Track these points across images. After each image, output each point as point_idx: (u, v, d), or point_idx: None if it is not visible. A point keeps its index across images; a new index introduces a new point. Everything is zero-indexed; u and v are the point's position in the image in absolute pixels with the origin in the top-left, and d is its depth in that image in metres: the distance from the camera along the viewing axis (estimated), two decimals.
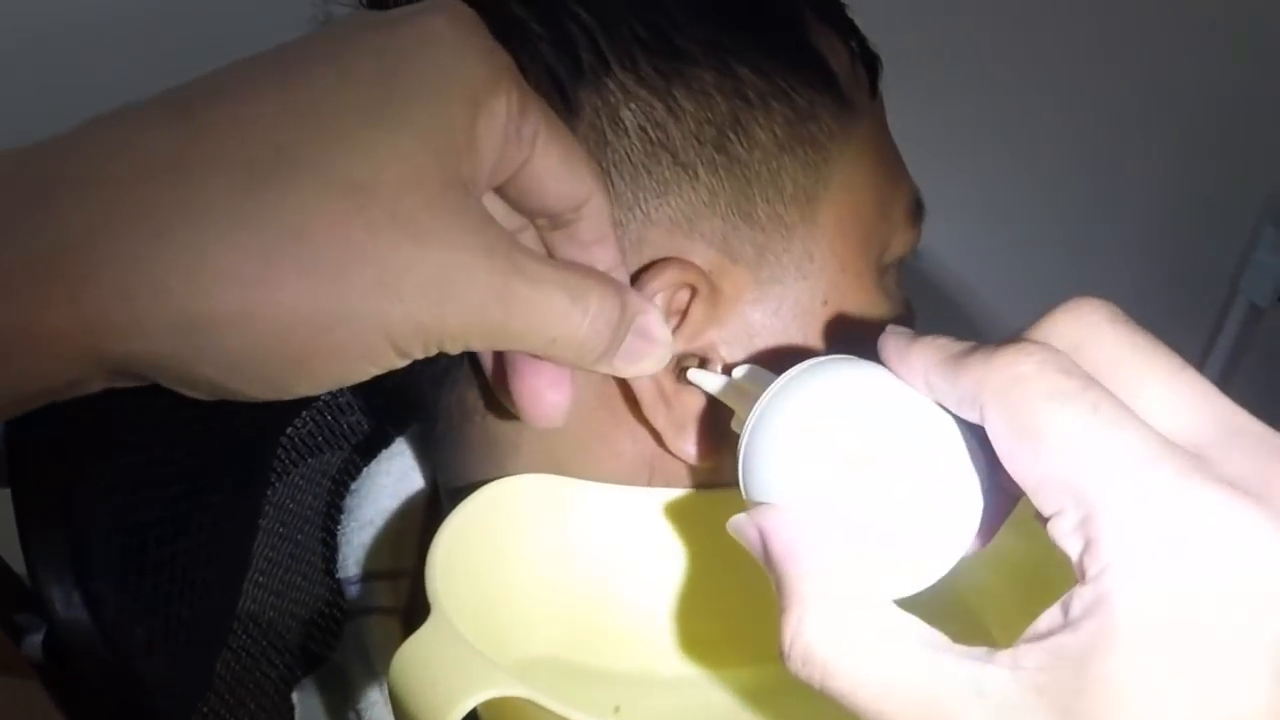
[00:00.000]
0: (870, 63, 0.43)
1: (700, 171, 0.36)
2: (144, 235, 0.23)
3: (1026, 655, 0.23)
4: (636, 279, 0.35)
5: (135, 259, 0.22)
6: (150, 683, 0.37)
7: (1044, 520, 0.24)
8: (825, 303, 0.38)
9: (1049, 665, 0.22)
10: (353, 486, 0.49)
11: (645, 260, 0.36)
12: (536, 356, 0.31)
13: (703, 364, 0.37)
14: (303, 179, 0.24)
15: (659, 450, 0.38)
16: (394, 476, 0.49)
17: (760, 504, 0.31)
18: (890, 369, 0.29)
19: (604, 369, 0.31)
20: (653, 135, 0.36)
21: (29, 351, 0.22)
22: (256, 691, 0.44)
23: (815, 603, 0.26)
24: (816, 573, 0.27)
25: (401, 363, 0.26)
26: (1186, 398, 0.24)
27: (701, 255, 0.36)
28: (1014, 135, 1.03)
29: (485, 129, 0.27)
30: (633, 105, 0.36)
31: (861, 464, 0.28)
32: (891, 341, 0.29)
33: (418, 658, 0.31)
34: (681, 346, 0.36)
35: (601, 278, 0.30)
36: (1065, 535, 0.23)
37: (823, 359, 0.31)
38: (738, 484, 0.38)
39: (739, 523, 0.30)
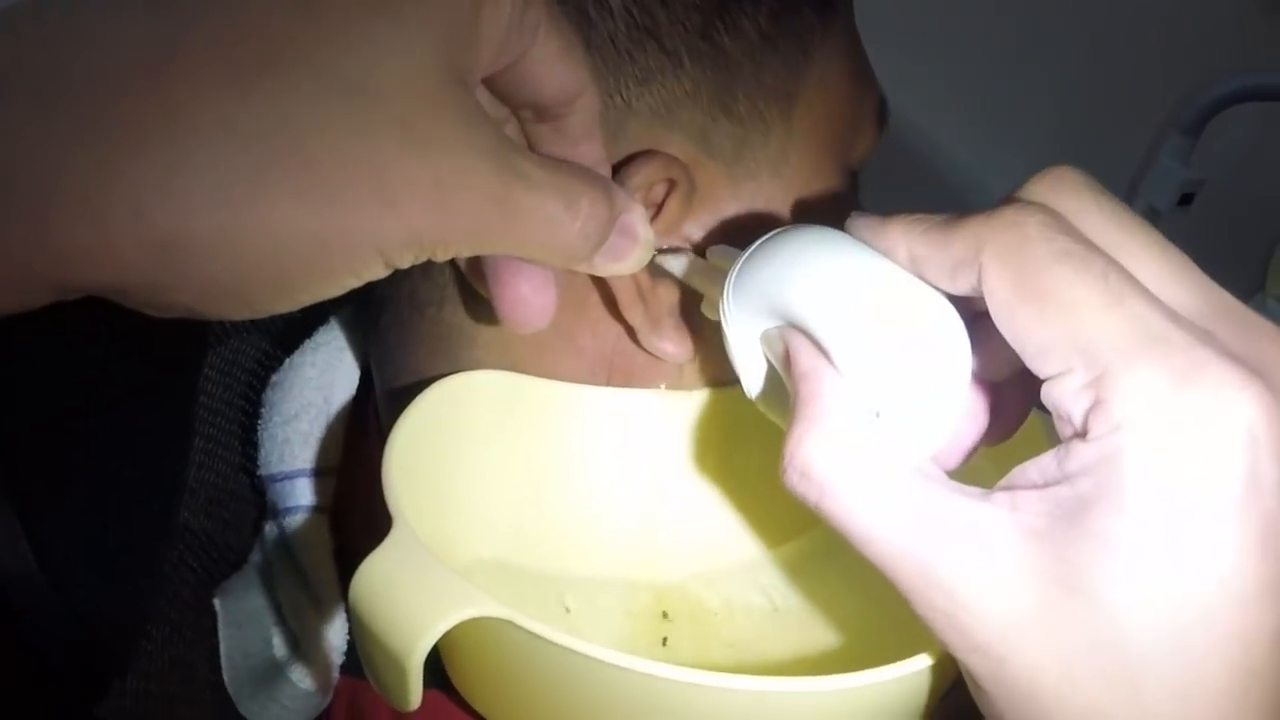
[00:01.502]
0: None
1: (684, 59, 0.34)
2: (120, 149, 0.19)
3: (1025, 500, 0.23)
4: (617, 172, 0.34)
5: (109, 176, 0.19)
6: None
7: (1039, 380, 0.24)
8: (796, 203, 0.37)
9: (1047, 513, 0.23)
10: (273, 379, 0.46)
11: (624, 152, 0.35)
12: (520, 259, 0.28)
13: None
14: (299, 81, 0.21)
15: (620, 347, 0.37)
16: (318, 368, 0.46)
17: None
18: (866, 243, 0.28)
19: (584, 269, 0.29)
20: (638, 19, 0.34)
21: None
22: (175, 599, 0.42)
23: (825, 419, 0.26)
24: (830, 394, 0.26)
25: (386, 273, 0.24)
26: (1178, 274, 0.24)
27: (679, 148, 0.35)
28: (920, 25, 1.02)
29: (490, 16, 0.24)
30: None
31: (847, 320, 0.26)
32: (862, 219, 0.28)
33: (383, 577, 0.28)
34: (656, 240, 0.34)
35: (592, 178, 0.28)
36: (1070, 393, 0.23)
37: (791, 227, 0.30)
38: (709, 379, 0.37)
39: (771, 333, 0.29)
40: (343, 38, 0.22)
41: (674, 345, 0.36)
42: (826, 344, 0.26)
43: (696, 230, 0.36)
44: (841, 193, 0.39)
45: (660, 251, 0.35)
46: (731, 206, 0.36)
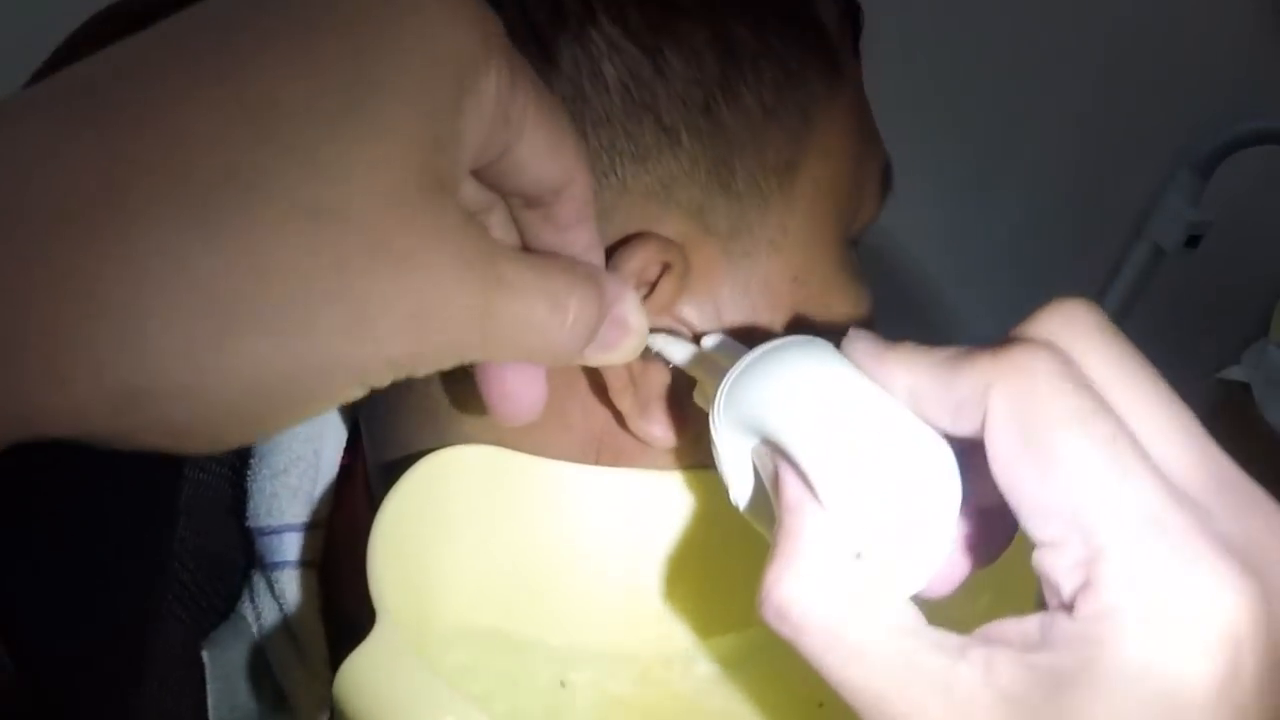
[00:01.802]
0: (855, 16, 0.41)
1: (683, 136, 0.34)
2: (73, 298, 0.18)
3: (1002, 662, 0.23)
4: (610, 254, 0.33)
5: (65, 334, 0.18)
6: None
7: (1033, 542, 0.23)
8: (794, 279, 0.37)
9: (1023, 679, 0.22)
10: None
11: (618, 232, 0.34)
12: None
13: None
14: (260, 208, 0.19)
15: (609, 428, 0.37)
16: (308, 423, 0.46)
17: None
18: (863, 371, 0.27)
19: (575, 362, 0.29)
20: (636, 95, 0.33)
21: None
22: (164, 651, 0.42)
23: (803, 559, 0.25)
24: (812, 533, 0.26)
25: (363, 394, 0.23)
26: (1183, 439, 0.23)
27: (675, 226, 0.35)
28: (932, 64, 1.02)
29: (471, 115, 0.23)
30: (617, 60, 0.33)
31: (835, 457, 0.26)
32: (861, 342, 0.28)
33: (365, 676, 0.29)
34: (649, 323, 0.34)
35: (582, 275, 0.27)
36: (1063, 567, 0.23)
37: (789, 341, 0.29)
38: (696, 461, 0.37)
39: (761, 452, 0.29)
40: (307, 156, 0.20)
41: (662, 430, 0.36)
42: (812, 479, 0.26)
43: (690, 309, 0.35)
44: (841, 266, 0.38)
45: (653, 331, 0.34)
46: (727, 285, 0.36)
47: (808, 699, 0.40)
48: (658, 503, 0.38)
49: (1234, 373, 1.01)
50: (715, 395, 0.30)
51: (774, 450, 0.28)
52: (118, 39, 0.21)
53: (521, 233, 0.29)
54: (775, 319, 0.37)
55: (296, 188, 0.20)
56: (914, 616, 0.25)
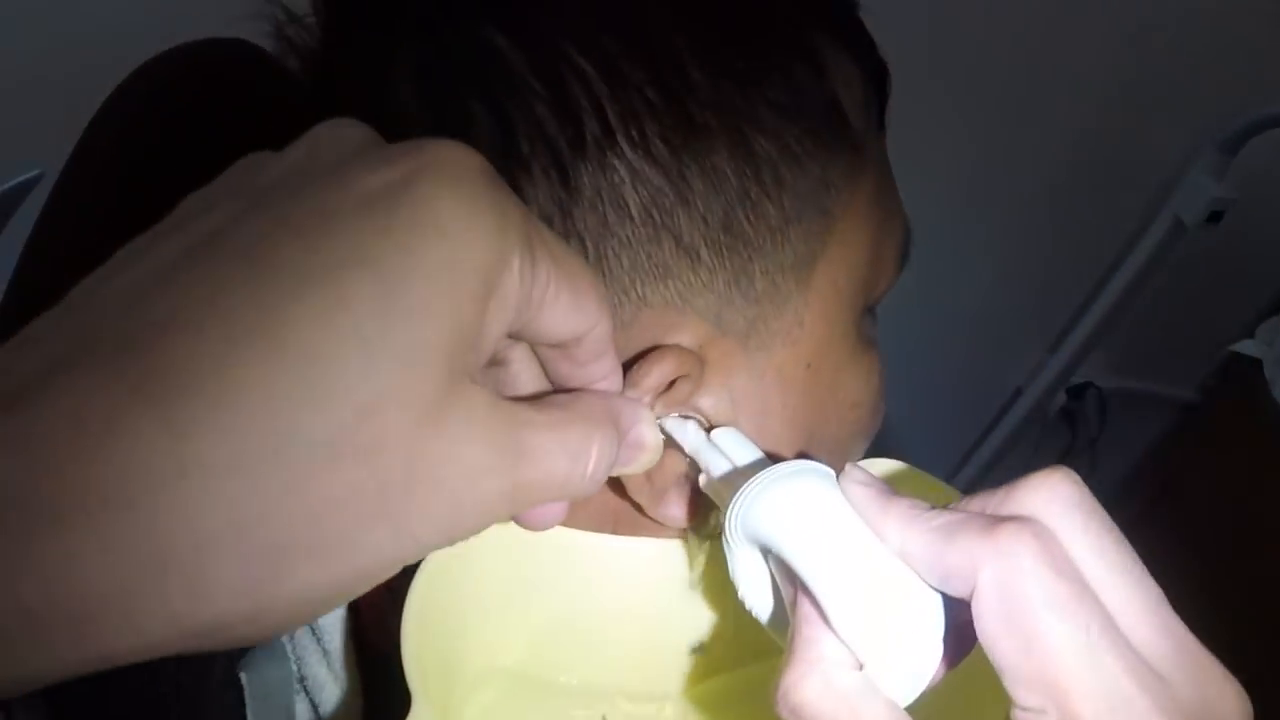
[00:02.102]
0: (882, 84, 0.41)
1: (703, 253, 0.35)
2: (147, 567, 0.20)
3: None
4: (628, 368, 0.34)
5: (141, 593, 0.20)
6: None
7: (1012, 702, 0.25)
8: (808, 365, 0.38)
9: None
10: None
11: (637, 344, 0.35)
12: None
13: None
14: (305, 461, 0.21)
15: (624, 506, 0.38)
16: None
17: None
18: (860, 516, 0.29)
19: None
20: (658, 219, 0.34)
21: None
22: (202, 672, 0.44)
23: (818, 668, 0.27)
24: (825, 644, 0.28)
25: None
26: (1148, 615, 0.26)
27: (692, 331, 0.35)
28: (966, 35, 1.00)
29: (495, 313, 0.24)
30: (640, 188, 0.34)
31: (846, 594, 0.28)
32: (859, 492, 0.29)
33: None
34: (661, 411, 0.35)
35: (599, 419, 0.28)
36: None
37: (796, 470, 0.31)
38: (704, 531, 0.39)
39: (777, 565, 0.31)
40: (343, 397, 0.21)
41: (679, 511, 0.37)
42: (826, 610, 0.28)
43: (705, 400, 0.36)
44: (855, 343, 0.39)
45: (667, 416, 0.36)
46: (742, 375, 0.36)
47: None
48: (670, 565, 0.40)
49: (1246, 347, 1.02)
50: (728, 512, 0.31)
51: (787, 571, 0.30)
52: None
53: (542, 364, 0.31)
54: (787, 402, 0.38)
55: (340, 433, 0.21)
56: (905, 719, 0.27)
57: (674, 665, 0.42)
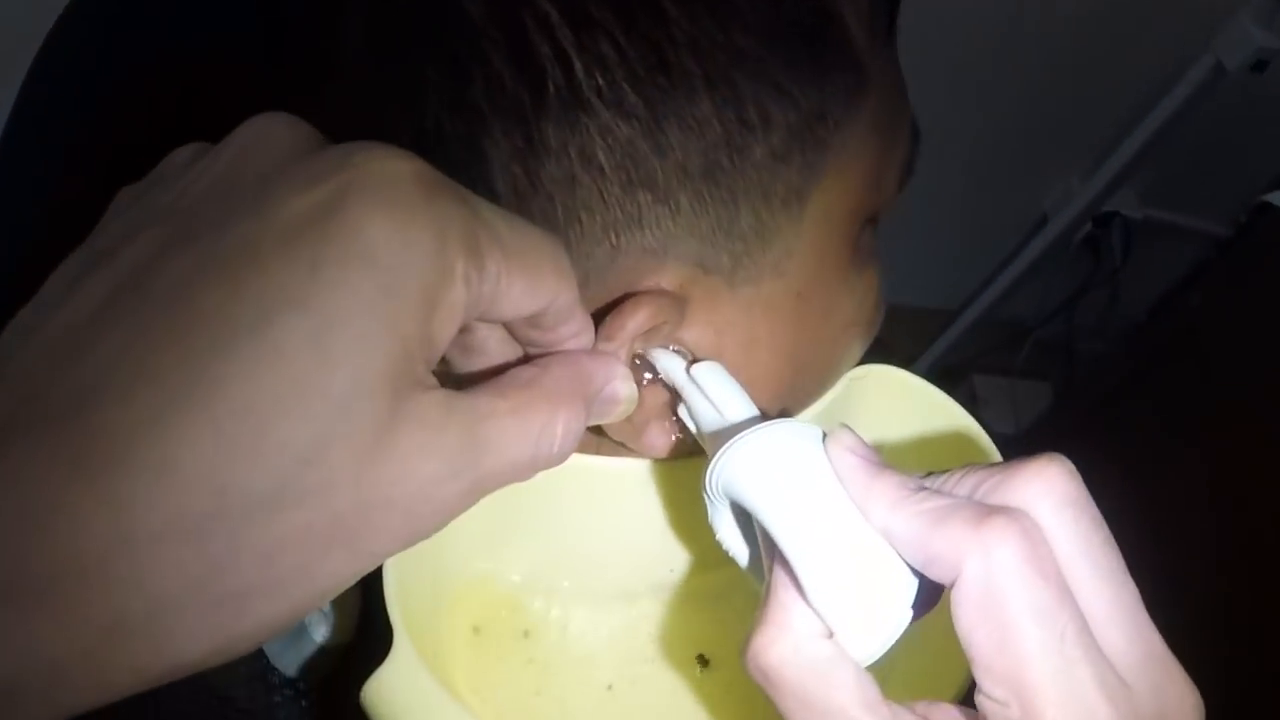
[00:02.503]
0: None
1: (683, 203, 0.33)
2: (106, 633, 0.20)
3: None
4: (603, 317, 0.33)
5: (100, 657, 0.21)
6: None
7: (980, 688, 0.27)
8: (798, 295, 0.36)
9: None
10: None
11: (613, 291, 0.34)
12: None
13: None
14: (248, 514, 0.21)
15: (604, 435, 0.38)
16: None
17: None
18: (846, 487, 0.29)
19: None
20: (632, 173, 0.32)
21: None
22: None
23: (788, 632, 0.28)
24: (795, 610, 0.28)
25: None
26: (1121, 619, 0.27)
27: (672, 273, 0.34)
28: None
29: (441, 325, 0.24)
30: (611, 143, 0.31)
31: (819, 564, 0.29)
32: (849, 464, 0.29)
33: (386, 700, 0.33)
34: (642, 347, 0.35)
35: (566, 391, 0.28)
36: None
37: (780, 430, 0.31)
38: (685, 454, 0.39)
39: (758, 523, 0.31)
40: (284, 452, 0.21)
41: (660, 442, 0.37)
42: (796, 573, 0.29)
43: (688, 334, 0.35)
44: (849, 266, 0.38)
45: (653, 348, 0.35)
46: (727, 310, 0.35)
47: None
48: (652, 481, 0.40)
49: (1277, 198, 0.99)
50: (708, 469, 0.31)
51: (765, 533, 0.31)
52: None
53: (511, 332, 0.30)
54: (775, 331, 0.37)
55: (281, 484, 0.21)
56: (872, 689, 0.28)
57: (651, 564, 0.44)
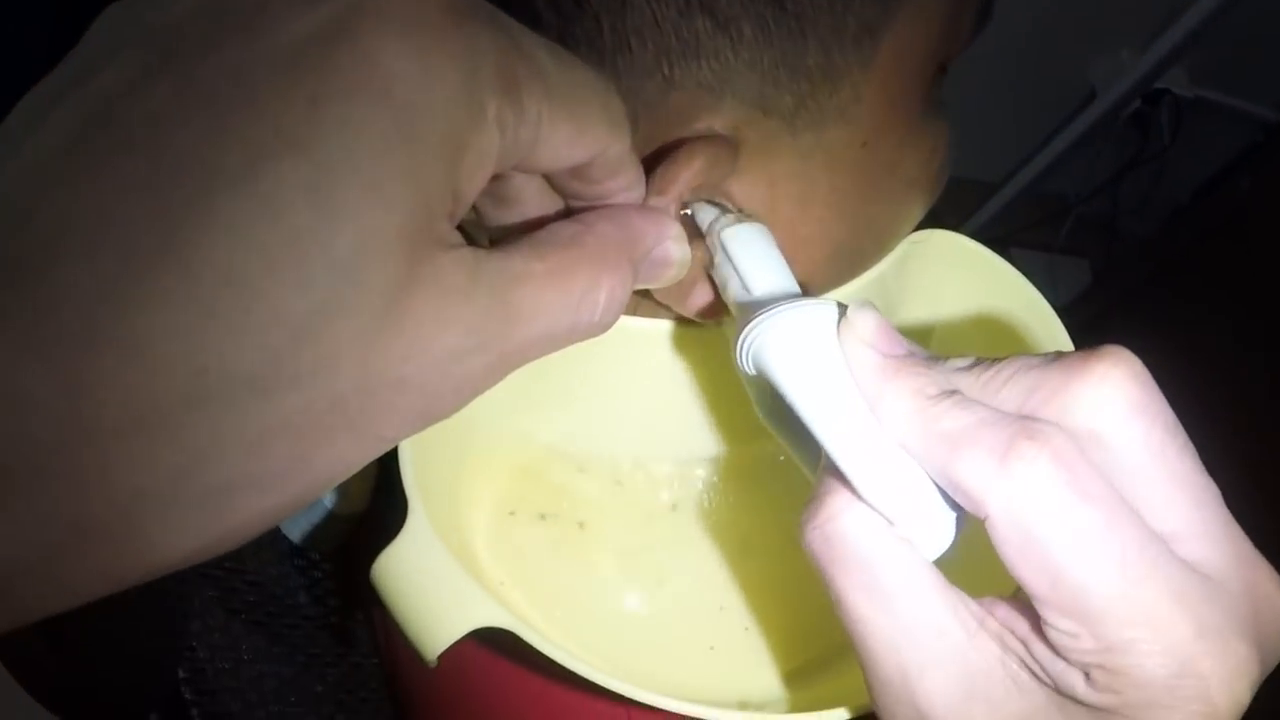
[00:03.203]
0: None
1: (745, 30, 0.29)
2: (70, 533, 0.18)
3: (1013, 662, 0.25)
4: (653, 166, 0.30)
5: (65, 560, 0.18)
6: None
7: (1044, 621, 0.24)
8: (864, 144, 0.33)
9: (1032, 688, 0.24)
10: None
11: (663, 134, 0.31)
12: None
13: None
14: (233, 400, 0.18)
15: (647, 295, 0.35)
16: None
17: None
18: (859, 386, 0.26)
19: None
20: None
21: None
22: None
23: (857, 506, 0.25)
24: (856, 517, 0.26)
25: None
26: (1202, 529, 0.23)
27: (729, 113, 0.31)
28: None
29: (470, 173, 0.20)
30: None
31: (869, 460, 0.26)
32: (862, 359, 0.26)
33: (398, 575, 0.31)
34: (691, 196, 0.31)
35: (612, 253, 0.25)
36: (1075, 653, 0.23)
37: (805, 313, 0.27)
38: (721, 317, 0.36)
39: None
40: (276, 327, 0.18)
41: (705, 302, 0.34)
42: (842, 470, 0.26)
43: (741, 183, 0.32)
44: (919, 116, 0.34)
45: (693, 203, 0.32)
46: (786, 158, 0.32)
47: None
48: (681, 344, 0.38)
49: None
50: (737, 343, 0.28)
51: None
52: None
53: (551, 183, 0.27)
54: (835, 184, 0.33)
55: (271, 364, 0.18)
56: (942, 580, 0.25)
57: (679, 435, 0.41)
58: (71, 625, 0.31)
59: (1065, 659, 0.23)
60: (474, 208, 0.25)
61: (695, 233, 0.32)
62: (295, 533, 0.46)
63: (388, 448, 0.21)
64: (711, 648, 0.39)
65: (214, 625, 0.43)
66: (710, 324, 0.36)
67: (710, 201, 0.32)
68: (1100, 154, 1.56)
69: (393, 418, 0.20)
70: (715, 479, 0.42)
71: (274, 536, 0.47)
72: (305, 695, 0.46)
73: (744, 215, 0.32)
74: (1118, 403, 0.23)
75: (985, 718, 0.24)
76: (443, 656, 0.30)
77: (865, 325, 0.26)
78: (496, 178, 0.24)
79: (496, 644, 0.30)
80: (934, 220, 0.41)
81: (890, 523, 0.25)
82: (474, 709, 0.45)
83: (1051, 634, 0.23)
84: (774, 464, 0.42)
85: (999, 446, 0.22)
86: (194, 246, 0.17)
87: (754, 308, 0.28)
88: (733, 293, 0.31)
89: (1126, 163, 1.57)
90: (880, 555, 0.25)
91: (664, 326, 0.36)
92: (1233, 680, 0.22)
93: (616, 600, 0.40)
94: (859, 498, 0.25)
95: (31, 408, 0.17)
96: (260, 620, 0.46)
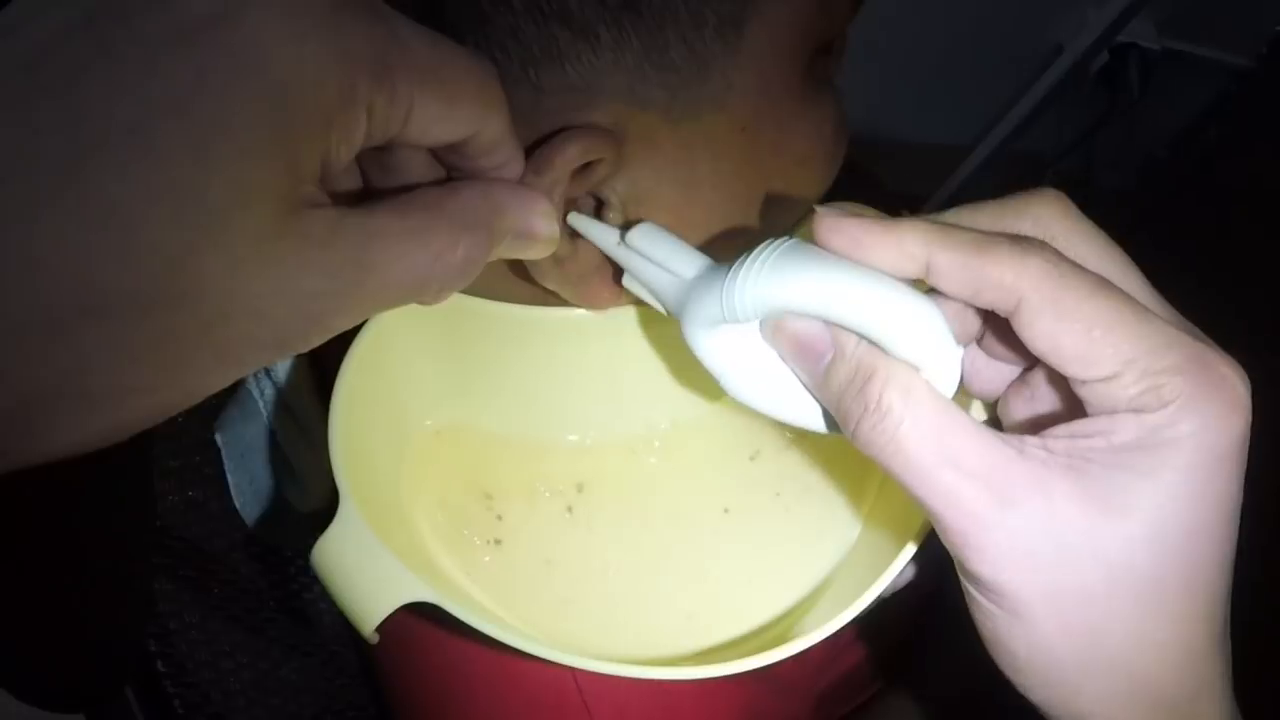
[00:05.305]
0: None
1: (602, 34, 0.31)
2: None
3: (1057, 443, 0.27)
4: (533, 155, 0.31)
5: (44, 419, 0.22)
6: None
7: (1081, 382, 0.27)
8: (743, 129, 0.35)
9: (1080, 455, 0.27)
10: None
11: (541, 131, 0.32)
12: None
13: (598, 207, 0.35)
14: (117, 313, 0.21)
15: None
16: None
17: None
18: (866, 247, 0.28)
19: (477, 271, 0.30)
20: (545, 7, 0.30)
21: None
22: (178, 434, 0.46)
23: (908, 371, 0.28)
24: (906, 374, 0.28)
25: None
26: (1153, 295, 0.28)
27: (604, 111, 0.32)
28: None
29: (339, 144, 0.24)
30: None
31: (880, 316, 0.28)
32: (851, 228, 0.28)
33: (333, 561, 0.33)
34: (576, 192, 0.33)
35: (472, 218, 0.28)
36: (1121, 395, 0.26)
37: (779, 243, 0.29)
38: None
39: (776, 324, 0.30)
40: (137, 244, 0.21)
41: (605, 293, 0.36)
42: (877, 339, 0.28)
43: (625, 177, 0.34)
44: (799, 95, 0.36)
45: (579, 209, 0.34)
46: (667, 148, 0.34)
47: (742, 452, 0.44)
48: (609, 329, 0.40)
49: None
50: (726, 296, 0.30)
51: (800, 319, 0.29)
52: None
53: (435, 155, 0.29)
54: (719, 169, 0.35)
55: (148, 284, 0.21)
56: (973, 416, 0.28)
57: (625, 409, 0.44)
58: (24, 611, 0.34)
59: (1110, 410, 0.26)
60: (362, 173, 0.29)
61: (577, 233, 0.35)
62: (264, 530, 0.48)
63: (247, 371, 0.25)
64: (659, 614, 0.42)
65: (191, 623, 0.46)
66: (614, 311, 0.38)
67: (593, 216, 0.34)
68: (1073, 111, 1.56)
69: (251, 344, 0.24)
70: (649, 455, 0.44)
71: (246, 536, 0.49)
72: (283, 684, 0.49)
73: (630, 222, 0.34)
74: (1067, 214, 0.28)
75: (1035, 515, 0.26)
76: (386, 633, 0.33)
77: (837, 210, 0.28)
78: (383, 150, 0.27)
79: (447, 623, 0.33)
80: (905, 187, 0.43)
81: (917, 369, 0.28)
82: (440, 683, 0.47)
83: (1093, 391, 0.26)
84: (706, 439, 0.44)
85: (1015, 245, 0.26)
86: (91, 181, 0.20)
87: (702, 282, 0.31)
88: (666, 284, 0.33)
89: (1098, 119, 1.57)
90: (946, 417, 0.27)
91: (582, 314, 0.38)
92: (1243, 379, 0.26)
93: (564, 575, 0.42)
94: (892, 355, 0.28)
95: None
96: (237, 615, 0.49)
